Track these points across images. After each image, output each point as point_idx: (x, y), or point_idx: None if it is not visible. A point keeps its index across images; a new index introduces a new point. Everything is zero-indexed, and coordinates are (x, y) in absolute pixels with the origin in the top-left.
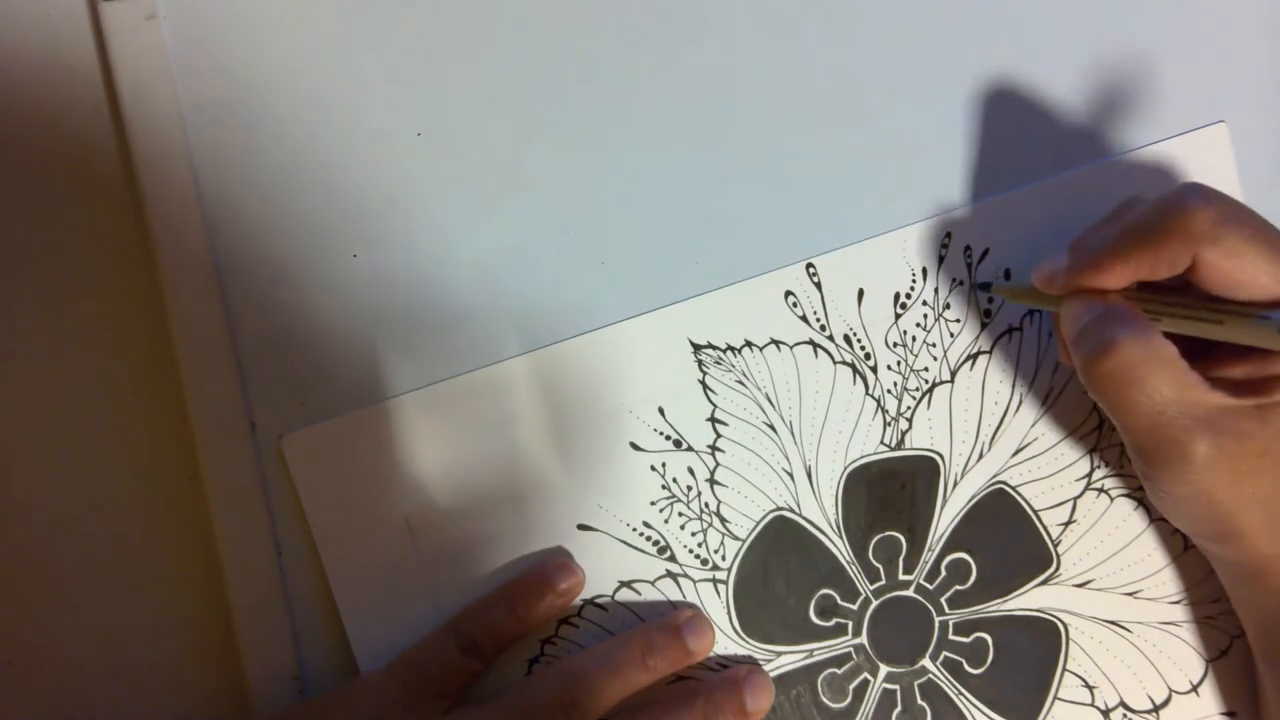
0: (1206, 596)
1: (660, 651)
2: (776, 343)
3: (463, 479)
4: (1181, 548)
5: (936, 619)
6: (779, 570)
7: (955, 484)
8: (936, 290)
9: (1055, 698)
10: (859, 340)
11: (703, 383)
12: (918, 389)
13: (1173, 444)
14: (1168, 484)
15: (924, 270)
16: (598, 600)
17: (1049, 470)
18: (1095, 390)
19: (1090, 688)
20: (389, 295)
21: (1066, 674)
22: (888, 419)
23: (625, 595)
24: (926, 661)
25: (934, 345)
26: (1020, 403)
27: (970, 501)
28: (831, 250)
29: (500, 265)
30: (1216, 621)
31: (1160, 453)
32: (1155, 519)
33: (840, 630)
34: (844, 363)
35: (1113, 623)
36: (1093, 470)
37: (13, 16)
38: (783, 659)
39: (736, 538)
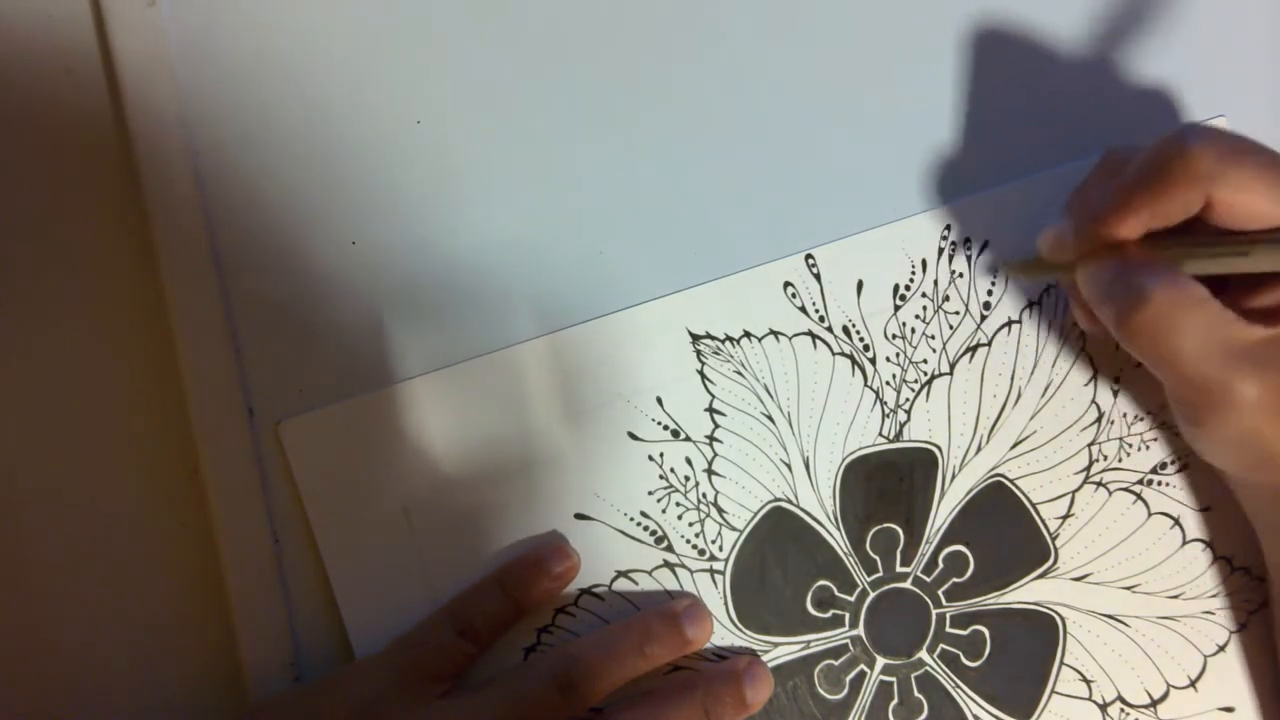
0: (1205, 591)
1: (658, 639)
2: (775, 333)
3: (459, 467)
4: (1180, 542)
5: (934, 611)
6: (776, 561)
7: (953, 476)
8: (936, 282)
9: (1053, 691)
10: (858, 332)
11: (701, 373)
12: (916, 381)
13: (1220, 388)
14: (1215, 428)
15: (923, 262)
16: (595, 590)
17: (1047, 463)
18: (1132, 345)
19: (1088, 682)
20: (387, 283)
21: (1064, 668)
22: (886, 411)
23: (622, 585)
24: (924, 654)
25: (933, 337)
26: (1019, 395)
27: (968, 494)
28: (831, 241)
29: (498, 254)
30: (1215, 616)
31: (1206, 399)
32: (1154, 513)
33: (837, 622)
34: (843, 354)
35: (1111, 617)
36: (1091, 464)
37: (13, 2)
38: (779, 650)
39: (734, 528)
